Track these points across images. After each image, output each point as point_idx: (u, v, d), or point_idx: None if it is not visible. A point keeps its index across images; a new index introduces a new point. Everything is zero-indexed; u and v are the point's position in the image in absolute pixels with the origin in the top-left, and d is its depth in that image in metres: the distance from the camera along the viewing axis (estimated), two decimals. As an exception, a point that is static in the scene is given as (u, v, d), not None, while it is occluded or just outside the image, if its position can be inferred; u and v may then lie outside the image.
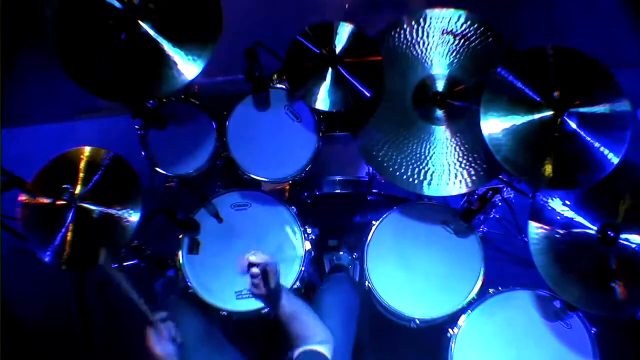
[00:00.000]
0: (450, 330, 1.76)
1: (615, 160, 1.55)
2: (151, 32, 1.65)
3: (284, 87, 2.00)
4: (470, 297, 1.79)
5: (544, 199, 1.71)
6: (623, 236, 1.62)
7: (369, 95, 1.74)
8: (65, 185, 1.71)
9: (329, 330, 1.49)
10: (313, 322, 1.47)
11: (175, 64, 1.63)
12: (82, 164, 1.80)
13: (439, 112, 1.79)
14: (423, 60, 1.83)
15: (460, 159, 1.74)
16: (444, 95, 1.78)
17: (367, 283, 1.84)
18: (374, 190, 2.16)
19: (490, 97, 1.61)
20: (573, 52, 1.62)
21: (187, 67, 1.63)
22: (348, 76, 1.75)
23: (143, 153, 2.01)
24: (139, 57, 1.66)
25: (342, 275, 2.07)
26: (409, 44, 1.84)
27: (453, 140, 1.76)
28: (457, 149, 1.75)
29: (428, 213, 1.92)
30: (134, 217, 1.74)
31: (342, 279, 1.98)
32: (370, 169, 2.13)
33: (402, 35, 1.84)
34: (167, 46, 1.64)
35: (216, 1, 1.66)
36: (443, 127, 1.78)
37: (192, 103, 2.06)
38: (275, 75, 2.07)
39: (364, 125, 1.80)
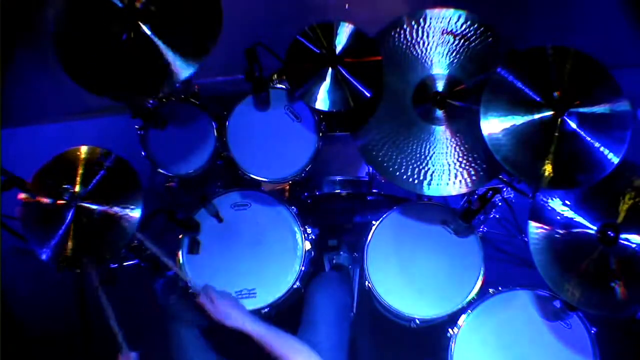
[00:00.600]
0: (450, 330, 1.76)
1: (615, 160, 1.55)
2: (149, 32, 1.65)
3: (284, 87, 2.00)
4: (470, 297, 1.79)
5: (544, 199, 1.71)
6: (623, 236, 1.62)
7: (369, 95, 1.74)
8: (66, 185, 1.71)
9: (305, 345, 1.50)
10: (284, 344, 1.49)
11: (172, 64, 1.63)
12: (81, 164, 1.79)
13: (439, 112, 1.79)
14: (423, 60, 1.83)
15: (460, 159, 1.74)
16: (444, 95, 1.78)
17: (367, 283, 1.84)
18: (374, 190, 2.16)
19: (490, 97, 1.61)
20: (573, 52, 1.61)
21: (181, 70, 1.63)
22: (348, 76, 1.75)
23: (143, 153, 2.01)
24: (139, 56, 1.66)
25: (332, 273, 2.07)
26: (409, 44, 1.84)
27: (453, 140, 1.76)
28: (457, 149, 1.75)
29: (428, 213, 1.92)
30: (134, 217, 1.73)
31: (332, 278, 1.98)
32: (370, 169, 2.13)
33: (402, 35, 1.84)
34: (163, 48, 1.65)
35: (217, 6, 1.66)
36: (443, 127, 1.78)
37: (192, 103, 2.06)
38: (275, 75, 2.07)
39: (364, 126, 1.80)
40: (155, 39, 1.65)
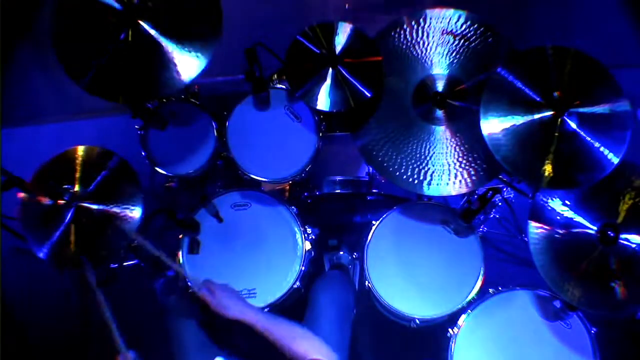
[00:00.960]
0: (450, 330, 1.76)
1: (615, 160, 1.55)
2: (152, 31, 1.65)
3: (284, 87, 2.00)
4: (470, 297, 1.79)
5: (544, 199, 1.71)
6: (623, 236, 1.62)
7: (369, 95, 1.74)
8: (65, 185, 1.71)
9: (308, 331, 1.48)
10: (286, 331, 1.46)
11: (175, 65, 1.64)
12: (81, 163, 1.80)
13: (439, 112, 1.79)
14: (423, 60, 1.83)
15: (460, 159, 1.74)
16: (444, 95, 1.78)
17: (367, 283, 1.84)
18: (374, 190, 2.16)
19: (490, 97, 1.61)
20: (573, 52, 1.62)
21: (188, 65, 1.63)
22: (348, 76, 1.75)
23: (143, 153, 2.01)
24: (139, 56, 1.66)
25: (335, 273, 2.07)
26: (409, 44, 1.84)
27: (453, 140, 1.76)
28: (457, 149, 1.75)
29: (428, 213, 1.92)
30: (134, 216, 1.74)
31: (335, 278, 1.98)
32: (370, 169, 2.13)
33: (402, 36, 1.84)
34: (167, 45, 1.64)
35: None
36: (443, 127, 1.78)
37: (192, 103, 2.06)
38: (275, 75, 2.07)
39: (364, 126, 1.80)
40: (157, 36, 1.65)
